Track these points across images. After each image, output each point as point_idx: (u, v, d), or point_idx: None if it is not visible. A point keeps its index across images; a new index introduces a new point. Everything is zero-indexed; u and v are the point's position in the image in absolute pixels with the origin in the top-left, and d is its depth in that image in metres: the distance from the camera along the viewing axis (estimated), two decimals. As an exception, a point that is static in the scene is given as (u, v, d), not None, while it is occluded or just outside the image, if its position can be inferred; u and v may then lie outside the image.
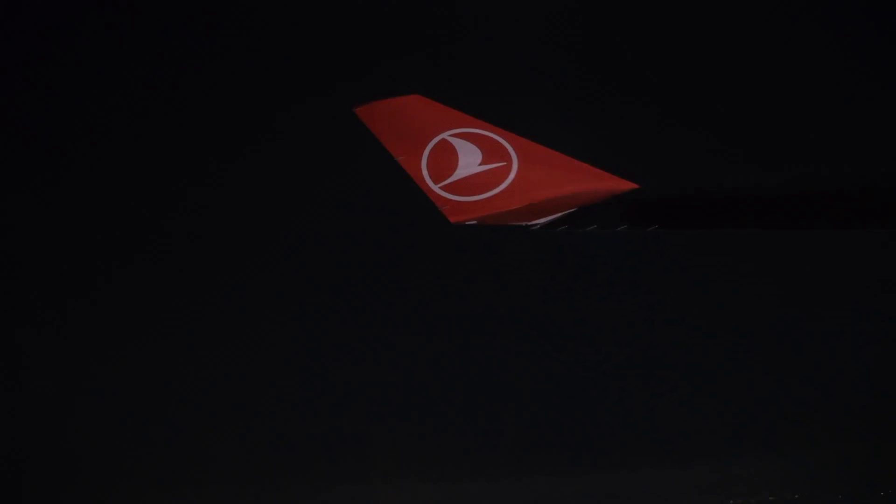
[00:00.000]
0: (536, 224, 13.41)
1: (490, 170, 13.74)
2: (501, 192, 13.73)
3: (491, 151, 13.72)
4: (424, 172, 13.95)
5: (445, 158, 13.81)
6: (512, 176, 13.69)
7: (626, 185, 13.56)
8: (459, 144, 13.80)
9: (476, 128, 13.81)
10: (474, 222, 14.00)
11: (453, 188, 13.89)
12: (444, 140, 13.83)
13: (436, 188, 13.97)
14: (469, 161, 13.78)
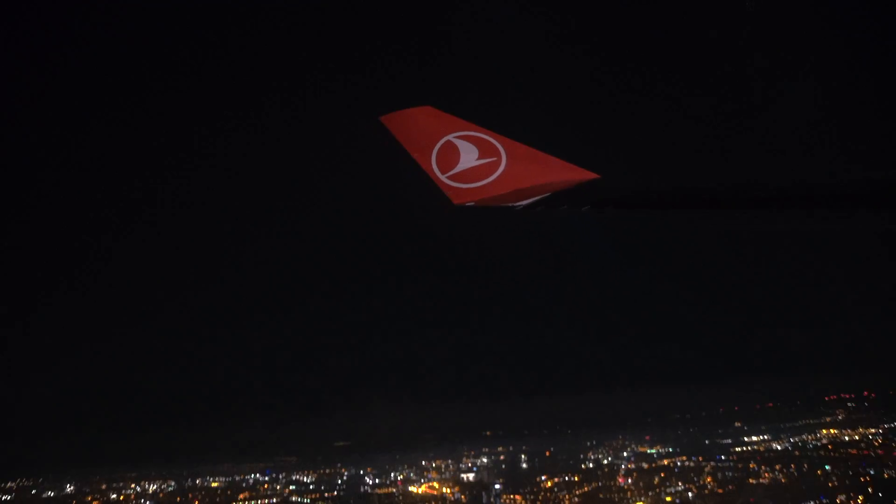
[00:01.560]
0: (520, 205, 15.65)
1: (484, 164, 16.13)
2: (493, 181, 16.07)
3: (485, 149, 16.12)
4: (434, 166, 16.41)
5: (450, 155, 16.20)
6: (501, 168, 16.05)
7: (590, 176, 15.87)
8: (461, 144, 16.14)
9: (473, 131, 16.28)
10: (472, 204, 16.26)
11: (456, 178, 16.30)
12: (449, 141, 16.21)
13: (443, 178, 16.42)
14: (468, 157, 16.14)
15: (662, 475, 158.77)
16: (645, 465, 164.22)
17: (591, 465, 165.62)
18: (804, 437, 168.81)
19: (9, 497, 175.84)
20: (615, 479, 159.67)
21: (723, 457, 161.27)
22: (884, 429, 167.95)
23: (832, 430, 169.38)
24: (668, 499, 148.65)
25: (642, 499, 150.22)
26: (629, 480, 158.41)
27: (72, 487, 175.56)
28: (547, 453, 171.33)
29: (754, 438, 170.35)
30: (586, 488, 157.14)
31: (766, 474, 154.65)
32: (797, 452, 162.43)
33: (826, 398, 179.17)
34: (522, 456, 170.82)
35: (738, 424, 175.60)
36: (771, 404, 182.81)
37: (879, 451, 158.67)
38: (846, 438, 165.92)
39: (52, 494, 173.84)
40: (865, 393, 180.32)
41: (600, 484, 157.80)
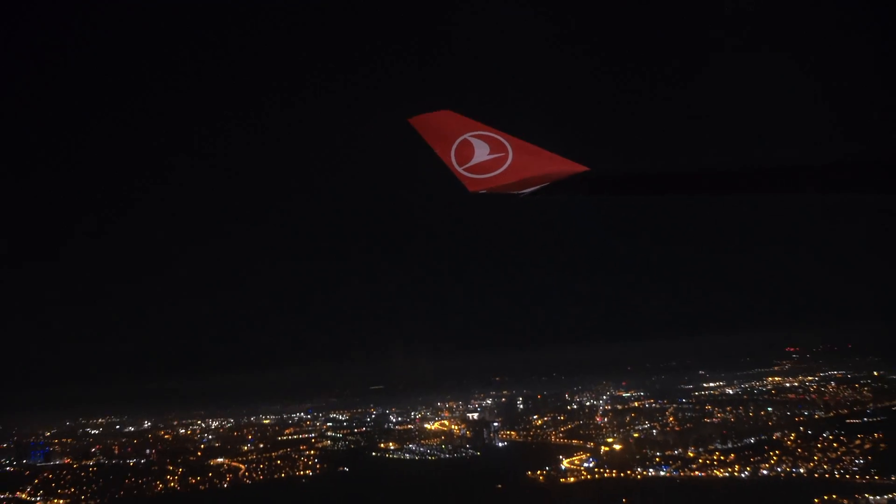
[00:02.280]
0: (524, 193, 17.31)
1: (494, 158, 17.61)
2: (501, 172, 17.54)
3: (495, 146, 17.66)
4: (453, 159, 17.86)
5: (466, 151, 17.72)
6: (508, 162, 17.50)
7: (581, 168, 16.98)
8: (475, 142, 17.68)
9: (485, 131, 17.78)
10: (484, 191, 17.79)
11: (471, 170, 17.70)
12: (465, 139, 17.76)
13: (460, 169, 17.81)
14: (481, 152, 17.68)
15: (633, 415, 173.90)
16: (619, 407, 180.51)
17: (575, 407, 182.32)
18: (753, 383, 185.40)
19: (97, 431, 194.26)
20: (594, 418, 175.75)
21: (684, 400, 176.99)
22: (819, 377, 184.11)
23: (777, 378, 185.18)
24: (636, 435, 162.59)
25: (614, 435, 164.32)
26: (605, 419, 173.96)
27: (148, 423, 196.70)
28: (539, 396, 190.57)
29: (712, 385, 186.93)
30: (570, 426, 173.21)
31: (719, 414, 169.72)
32: (745, 396, 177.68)
33: (777, 350, 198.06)
34: (519, 399, 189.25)
35: (701, 373, 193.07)
36: (744, 358, 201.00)
37: (813, 396, 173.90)
38: (787, 385, 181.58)
39: (132, 429, 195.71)
40: (818, 348, 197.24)
41: (581, 422, 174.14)
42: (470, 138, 17.46)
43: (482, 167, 17.35)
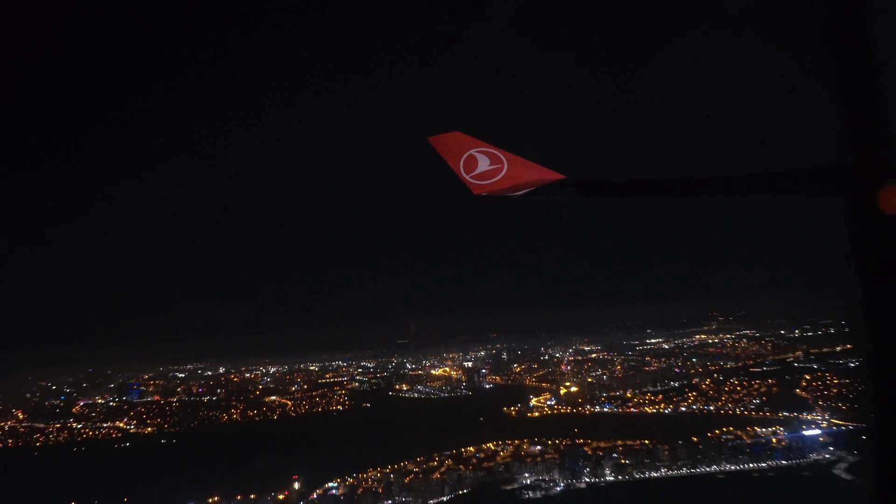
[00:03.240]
0: (516, 195, 16.57)
1: (493, 168, 16.89)
2: (499, 179, 16.83)
3: (494, 159, 16.88)
4: (461, 169, 17.09)
5: (472, 163, 16.96)
6: (504, 171, 16.79)
7: (559, 176, 16.13)
8: (478, 156, 16.98)
9: (486, 147, 17.02)
10: (485, 194, 16.90)
11: (475, 177, 16.93)
12: (471, 154, 17.08)
13: (467, 177, 17.08)
14: (483, 164, 16.94)
15: (589, 364, 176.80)
16: (580, 358, 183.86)
17: (546, 358, 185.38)
18: (684, 340, 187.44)
19: (183, 375, 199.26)
20: (560, 367, 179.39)
21: (630, 353, 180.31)
22: (735, 335, 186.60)
23: (703, 336, 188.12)
24: (590, 380, 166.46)
25: (573, 380, 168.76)
26: (568, 368, 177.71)
27: (223, 369, 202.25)
28: (519, 351, 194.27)
29: (653, 341, 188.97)
30: (541, 372, 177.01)
31: (655, 364, 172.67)
32: (677, 350, 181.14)
33: (708, 314, 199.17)
34: (504, 351, 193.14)
35: (648, 332, 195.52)
36: (679, 318, 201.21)
37: (728, 350, 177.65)
38: (709, 341, 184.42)
39: (210, 373, 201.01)
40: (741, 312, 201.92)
41: (550, 369, 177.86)
42: (475, 153, 17.32)
43: (484, 175, 17.15)
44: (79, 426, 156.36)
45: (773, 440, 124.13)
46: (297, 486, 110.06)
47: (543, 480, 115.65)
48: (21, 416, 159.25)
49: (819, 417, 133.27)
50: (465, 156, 16.93)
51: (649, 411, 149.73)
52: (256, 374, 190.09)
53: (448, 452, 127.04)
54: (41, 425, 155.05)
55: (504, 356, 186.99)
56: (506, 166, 16.65)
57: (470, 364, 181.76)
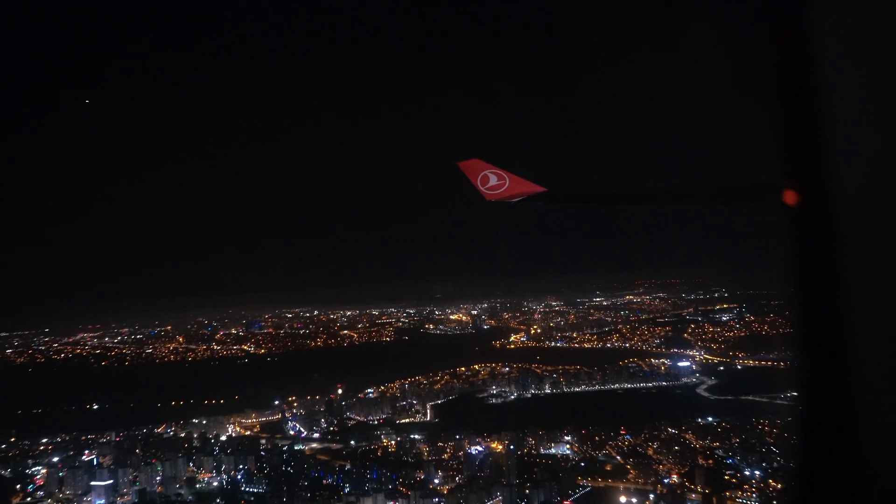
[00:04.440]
0: (514, 201, 17.26)
1: (499, 183, 17.34)
2: (503, 190, 17.35)
3: (500, 177, 17.32)
4: (478, 183, 17.56)
5: (485, 179, 17.41)
6: (506, 185, 17.34)
7: (541, 189, 17.08)
8: (490, 175, 17.42)
9: (495, 169, 17.52)
10: (494, 200, 17.44)
11: (487, 189, 17.46)
12: (485, 173, 17.48)
13: (482, 188, 17.54)
14: (493, 180, 17.40)
15: (553, 314, 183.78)
16: (547, 310, 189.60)
17: (525, 310, 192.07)
18: (618, 299, 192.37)
19: (290, 315, 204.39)
20: (534, 316, 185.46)
21: (581, 307, 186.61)
22: (652, 296, 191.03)
23: (630, 297, 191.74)
24: (551, 324, 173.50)
25: (540, 325, 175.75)
26: (538, 316, 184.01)
27: (317, 312, 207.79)
28: (508, 304, 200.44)
29: (597, 300, 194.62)
30: (520, 318, 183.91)
31: (595, 315, 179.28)
32: (612, 306, 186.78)
33: (635, 282, 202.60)
34: (498, 304, 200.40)
35: (598, 293, 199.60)
36: (616, 284, 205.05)
37: (645, 306, 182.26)
38: (634, 300, 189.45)
39: (308, 315, 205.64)
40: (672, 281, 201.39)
41: (526, 317, 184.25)
42: (487, 173, 17.83)
43: (493, 188, 17.77)
44: (218, 348, 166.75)
45: (661, 368, 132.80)
46: (340, 391, 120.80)
47: (504, 391, 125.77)
48: (181, 340, 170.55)
49: (696, 353, 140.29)
50: (481, 175, 17.93)
51: (586, 346, 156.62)
52: (337, 316, 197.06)
53: (448, 371, 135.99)
54: (194, 346, 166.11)
55: (498, 307, 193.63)
56: (507, 182, 17.77)
57: (475, 312, 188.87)
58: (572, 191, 21.29)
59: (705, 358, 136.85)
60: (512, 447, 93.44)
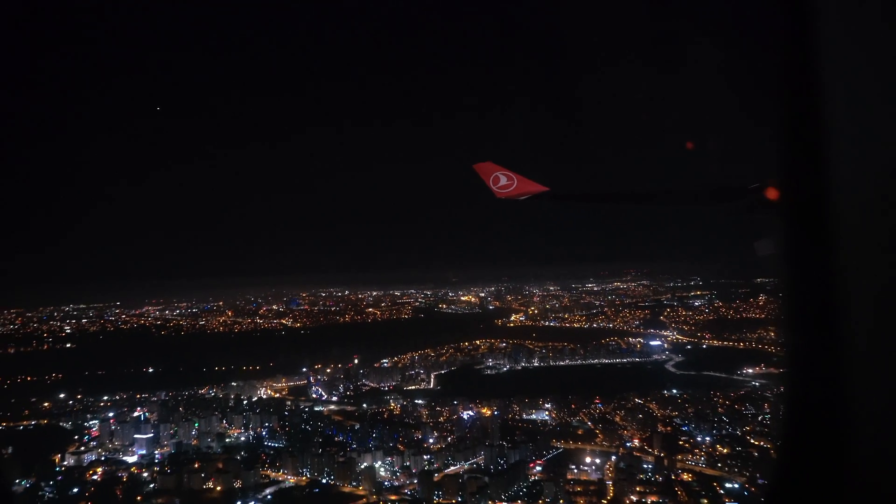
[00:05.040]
0: (522, 198, 16.96)
1: (508, 183, 16.99)
2: (512, 189, 17.00)
3: (509, 178, 16.95)
4: (490, 183, 17.18)
5: (496, 179, 17.05)
6: (514, 185, 17.00)
7: (545, 188, 16.90)
8: (500, 175, 17.05)
9: (505, 171, 17.14)
10: (504, 197, 17.07)
11: (499, 188, 17.10)
12: (496, 174, 17.08)
13: (493, 187, 17.16)
14: (503, 180, 17.02)
15: (549, 297, 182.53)
16: (545, 294, 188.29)
17: (526, 293, 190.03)
18: (607, 286, 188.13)
19: (324, 293, 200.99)
20: (533, 298, 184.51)
21: (574, 291, 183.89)
22: (637, 283, 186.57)
23: (618, 283, 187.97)
24: (548, 306, 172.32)
25: (538, 306, 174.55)
26: (537, 299, 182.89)
27: (347, 292, 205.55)
28: (512, 288, 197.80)
29: (589, 286, 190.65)
30: (521, 300, 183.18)
31: (587, 298, 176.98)
32: (601, 291, 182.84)
33: (624, 270, 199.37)
34: (503, 288, 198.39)
35: (591, 280, 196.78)
36: (606, 272, 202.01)
37: (629, 292, 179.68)
38: (621, 287, 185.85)
39: (339, 294, 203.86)
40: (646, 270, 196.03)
41: (526, 300, 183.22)
42: (498, 174, 17.55)
43: (503, 187, 17.48)
44: (260, 321, 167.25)
45: (637, 346, 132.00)
46: (356, 361, 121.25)
47: (498, 364, 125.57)
48: (230, 314, 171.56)
49: (669, 334, 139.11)
50: (493, 175, 17.62)
51: (576, 326, 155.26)
52: (364, 296, 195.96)
53: (453, 345, 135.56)
54: (240, 320, 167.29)
55: (503, 291, 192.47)
56: (515, 182, 17.45)
57: (483, 294, 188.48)
58: (573, 190, 20.84)
59: (677, 338, 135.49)
60: (497, 412, 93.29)
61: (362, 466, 73.24)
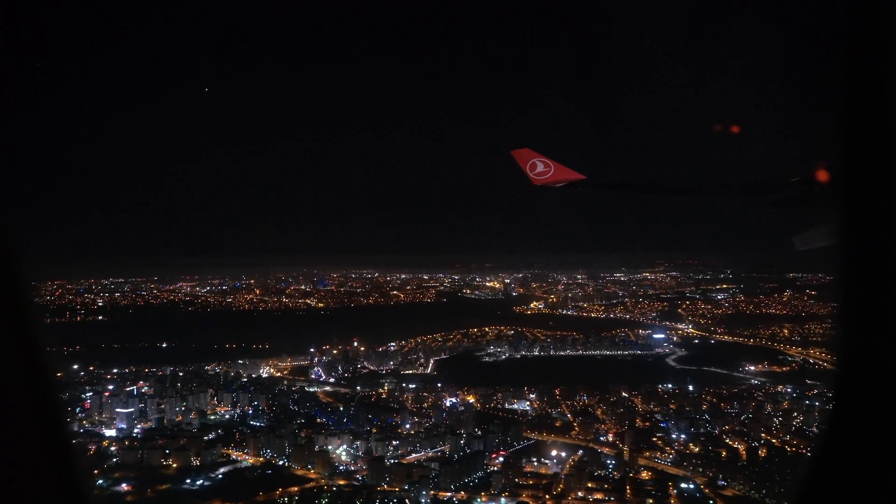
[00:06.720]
0: (558, 186, 17.22)
1: (545, 170, 17.09)
2: (549, 177, 17.12)
3: (546, 165, 17.09)
4: (527, 169, 17.24)
5: (533, 166, 17.12)
6: (551, 172, 17.12)
7: (581, 176, 17.12)
8: (537, 162, 17.15)
9: (542, 157, 17.25)
10: (540, 185, 17.30)
11: (536, 175, 17.18)
12: (533, 161, 17.15)
13: (531, 174, 17.22)
14: (540, 167, 17.13)
15: (573, 286, 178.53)
16: (570, 283, 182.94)
17: (551, 281, 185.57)
18: (635, 276, 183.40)
19: (354, 275, 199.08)
20: (557, 287, 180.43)
21: (600, 281, 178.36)
22: (665, 275, 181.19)
23: (646, 273, 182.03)
24: (569, 294, 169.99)
25: (559, 294, 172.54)
26: (560, 288, 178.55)
27: (377, 274, 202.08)
28: (538, 275, 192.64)
29: (617, 275, 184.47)
30: (545, 287, 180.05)
31: (610, 287, 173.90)
32: (627, 281, 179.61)
33: (657, 262, 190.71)
34: (529, 274, 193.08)
35: (623, 269, 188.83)
36: (636, 262, 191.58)
37: (655, 283, 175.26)
38: (648, 277, 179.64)
39: (368, 276, 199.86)
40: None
41: (550, 288, 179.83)
42: (535, 161, 17.65)
43: (540, 174, 17.60)
44: (286, 300, 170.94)
45: (645, 338, 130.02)
46: (355, 344, 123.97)
47: (498, 351, 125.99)
48: (258, 293, 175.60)
49: (684, 327, 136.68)
50: (530, 162, 17.74)
51: (592, 315, 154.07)
52: (393, 278, 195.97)
53: (462, 330, 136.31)
54: (267, 298, 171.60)
55: (529, 277, 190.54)
56: (553, 169, 17.64)
57: (508, 281, 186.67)
58: (610, 179, 21.01)
59: (688, 331, 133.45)
60: (473, 401, 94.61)
61: (323, 449, 75.55)
